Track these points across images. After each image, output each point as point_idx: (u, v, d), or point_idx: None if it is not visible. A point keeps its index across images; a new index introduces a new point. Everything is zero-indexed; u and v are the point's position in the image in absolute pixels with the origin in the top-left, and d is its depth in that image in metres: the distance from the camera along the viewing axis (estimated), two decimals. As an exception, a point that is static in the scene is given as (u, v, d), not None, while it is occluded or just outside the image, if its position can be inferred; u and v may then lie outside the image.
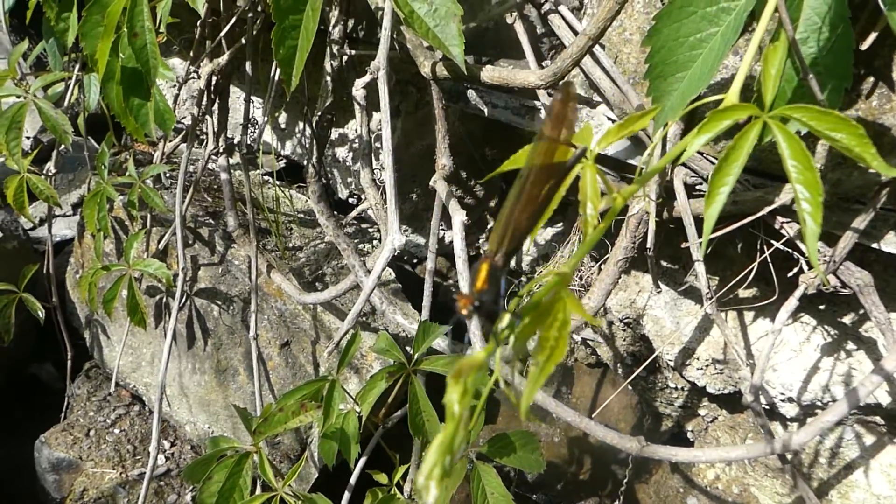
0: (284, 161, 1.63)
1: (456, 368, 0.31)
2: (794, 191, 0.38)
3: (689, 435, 1.35)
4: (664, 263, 1.14)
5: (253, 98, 1.47)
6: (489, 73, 0.81)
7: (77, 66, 1.34)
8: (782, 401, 1.06)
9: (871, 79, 0.73)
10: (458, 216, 0.82)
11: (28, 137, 1.91)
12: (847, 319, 0.97)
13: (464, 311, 0.37)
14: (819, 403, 1.00)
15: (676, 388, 1.29)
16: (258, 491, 1.06)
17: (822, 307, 0.99)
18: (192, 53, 1.09)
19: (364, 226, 1.53)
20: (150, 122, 0.87)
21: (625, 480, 1.37)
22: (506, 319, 0.36)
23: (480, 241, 1.47)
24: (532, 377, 0.33)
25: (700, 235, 0.83)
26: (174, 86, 1.51)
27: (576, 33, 0.86)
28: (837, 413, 0.74)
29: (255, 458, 0.95)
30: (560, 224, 1.38)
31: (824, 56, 0.56)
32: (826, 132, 0.38)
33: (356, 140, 1.41)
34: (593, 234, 0.35)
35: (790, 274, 0.81)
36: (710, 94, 0.81)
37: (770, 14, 0.48)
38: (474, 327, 0.77)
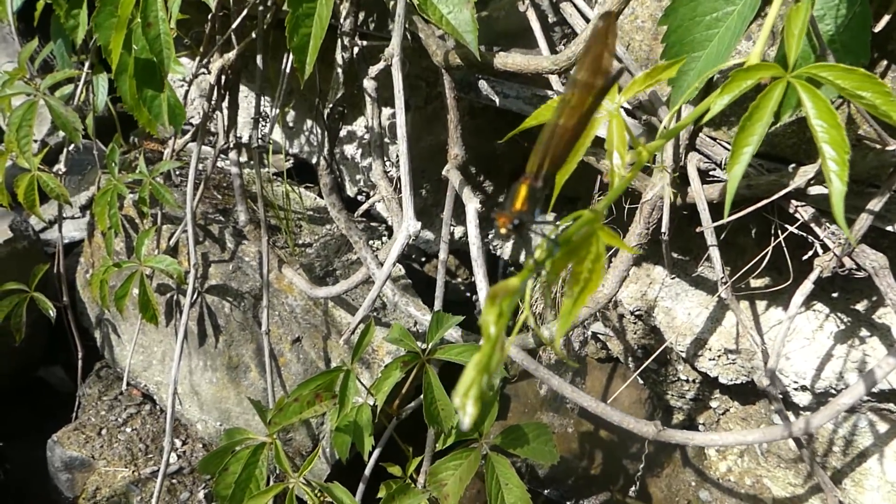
0: (293, 160, 1.64)
1: (491, 292, 0.31)
2: (819, 150, 0.38)
3: (701, 427, 1.34)
4: (675, 255, 1.14)
5: (264, 97, 1.47)
6: (502, 60, 0.81)
7: (85, 67, 1.34)
8: (795, 389, 1.05)
9: (885, 62, 0.73)
10: (472, 204, 0.82)
11: (35, 140, 1.92)
12: (860, 306, 0.97)
13: (503, 230, 0.37)
14: (833, 391, 1.00)
15: (688, 381, 1.29)
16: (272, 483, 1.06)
17: (834, 295, 0.99)
18: (201, 49, 1.09)
19: (373, 224, 1.53)
20: (163, 114, 0.88)
21: (637, 475, 1.37)
22: (542, 244, 0.36)
23: (489, 236, 1.47)
24: (566, 307, 0.34)
25: (714, 221, 0.83)
26: (183, 84, 1.51)
27: (587, 20, 0.86)
28: (854, 396, 0.74)
29: (270, 450, 0.95)
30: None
31: (841, 33, 0.56)
32: (852, 90, 0.38)
33: (365, 136, 1.41)
34: (621, 182, 0.35)
35: (805, 257, 0.81)
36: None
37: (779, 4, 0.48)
38: (480, 274, 0.77)
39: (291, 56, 0.79)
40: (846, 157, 0.38)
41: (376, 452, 1.02)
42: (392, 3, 0.87)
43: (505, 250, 1.50)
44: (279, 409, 0.91)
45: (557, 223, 0.38)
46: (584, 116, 0.38)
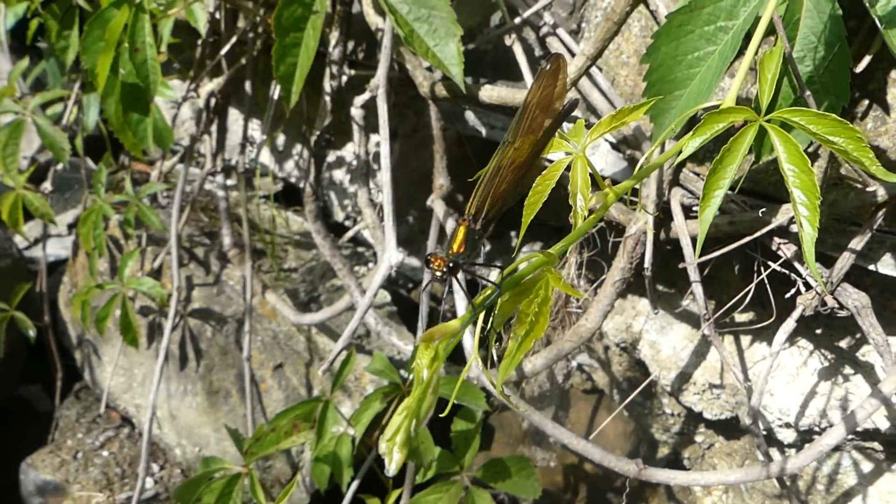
0: (282, 183, 1.63)
1: (426, 334, 0.30)
2: (790, 195, 0.38)
3: (686, 462, 1.33)
4: (660, 287, 1.14)
5: (252, 120, 1.48)
6: (488, 93, 0.81)
7: (76, 86, 1.34)
8: (779, 426, 1.05)
9: (866, 101, 0.74)
10: (456, 235, 0.82)
11: (25, 158, 1.91)
12: (844, 343, 0.97)
13: (437, 273, 0.36)
14: (817, 429, 1.00)
15: (673, 415, 1.28)
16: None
17: (818, 331, 0.99)
18: (191, 73, 1.09)
19: (359, 249, 1.52)
20: (148, 138, 0.87)
21: (620, 509, 1.35)
22: (487, 290, 0.36)
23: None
24: (509, 352, 0.33)
25: (700, 256, 0.83)
26: (173, 107, 1.51)
27: (574, 55, 0.87)
28: (836, 437, 0.74)
29: (245, 480, 0.93)
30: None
31: (821, 74, 0.57)
32: (824, 135, 0.38)
33: (353, 161, 1.41)
34: (583, 225, 0.35)
35: (788, 295, 0.80)
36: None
37: (763, 31, 0.48)
38: (461, 305, 0.76)
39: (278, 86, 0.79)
40: (817, 202, 0.38)
41: (355, 484, 1.01)
42: (380, 33, 0.87)
43: (491, 277, 1.50)
44: (256, 439, 0.90)
45: (500, 267, 0.38)
46: (530, 157, 0.38)
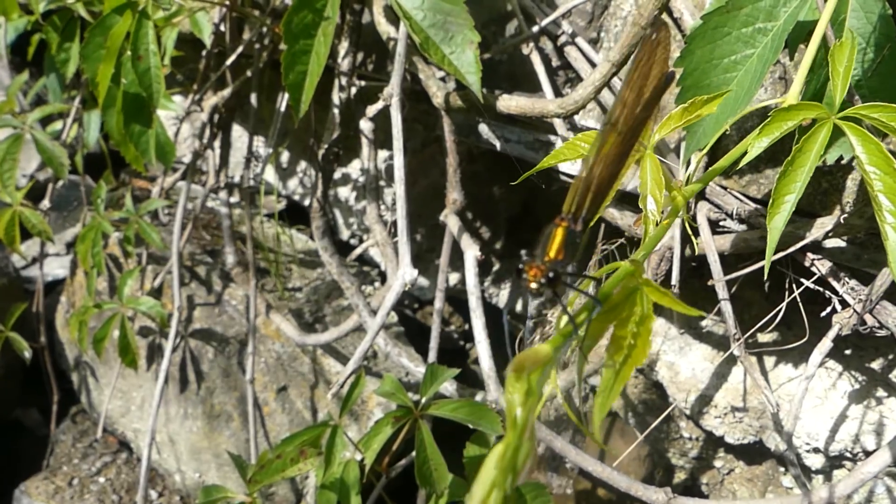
0: (286, 201, 1.60)
1: (517, 363, 0.25)
2: (874, 201, 0.34)
3: (704, 488, 1.28)
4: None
5: (257, 137, 1.45)
6: (505, 103, 0.78)
7: (76, 101, 1.31)
8: (808, 451, 1.00)
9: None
10: (472, 251, 0.78)
11: (25, 175, 1.88)
12: (875, 365, 0.93)
13: (533, 285, 0.30)
14: (848, 454, 0.95)
15: (691, 438, 1.23)
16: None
17: (847, 352, 0.95)
18: (195, 86, 1.06)
19: (365, 268, 1.49)
20: (150, 151, 0.84)
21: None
22: (577, 303, 0.31)
23: (485, 284, 1.43)
24: (605, 384, 0.28)
25: (725, 273, 0.79)
26: (175, 123, 1.48)
27: (593, 65, 0.84)
28: (879, 464, 0.69)
29: (249, 510, 0.89)
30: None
31: (869, 78, 0.53)
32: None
33: (360, 178, 1.38)
34: (658, 231, 0.31)
35: (823, 314, 0.77)
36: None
37: (822, 31, 0.45)
38: (479, 325, 0.70)
39: (286, 95, 0.76)
40: (906, 208, 0.34)
41: (364, 513, 0.96)
42: (392, 43, 0.84)
43: (501, 297, 1.46)
44: (260, 466, 0.86)
45: (589, 275, 0.32)
46: (629, 140, 0.33)
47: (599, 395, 0.28)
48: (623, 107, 0.32)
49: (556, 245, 0.31)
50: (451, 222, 0.84)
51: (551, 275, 0.30)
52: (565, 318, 0.31)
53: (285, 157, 1.51)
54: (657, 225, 0.35)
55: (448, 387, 0.95)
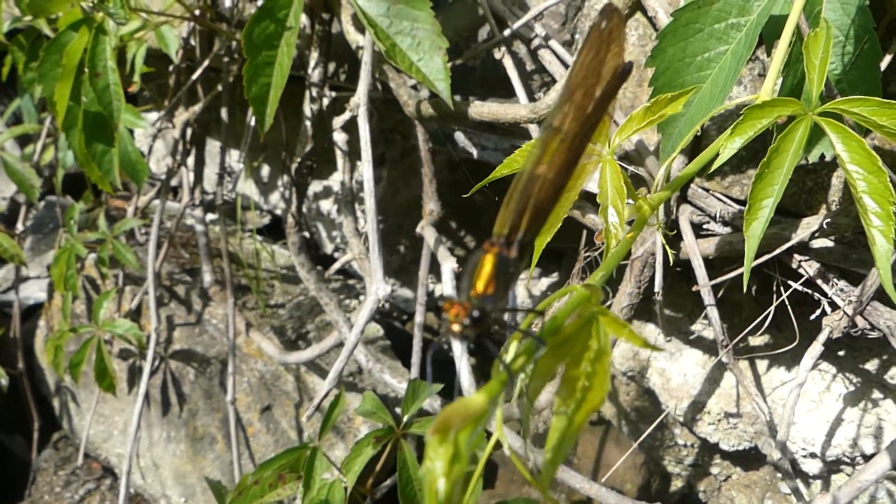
0: (269, 217, 1.57)
1: (440, 420, 0.20)
2: (858, 202, 0.31)
3: (702, 495, 1.26)
4: (668, 312, 1.08)
5: (232, 151, 1.42)
6: (477, 109, 0.75)
7: (49, 120, 1.28)
8: (804, 457, 0.98)
9: (887, 105, 0.68)
10: (448, 263, 0.76)
11: (4, 199, 1.85)
12: (870, 366, 0.90)
13: (455, 327, 0.25)
14: (846, 459, 0.93)
15: (686, 445, 1.21)
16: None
17: (841, 353, 0.93)
18: (166, 102, 1.03)
19: (350, 281, 1.46)
20: (114, 170, 0.81)
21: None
22: (515, 345, 0.26)
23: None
24: (556, 435, 0.24)
25: (710, 277, 0.77)
26: (149, 140, 1.46)
27: (567, 68, 0.81)
28: (878, 469, 0.67)
29: (229, 538, 0.85)
30: (555, 274, 1.32)
31: (848, 72, 0.51)
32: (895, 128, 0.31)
33: (341, 190, 1.35)
34: (621, 246, 0.28)
35: (813, 316, 0.74)
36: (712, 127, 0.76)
37: (794, 25, 0.42)
38: (461, 356, 0.66)
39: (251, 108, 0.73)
40: (891, 209, 0.31)
41: (349, 536, 0.93)
42: (360, 52, 0.82)
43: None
44: (239, 493, 0.83)
45: (535, 310, 0.27)
46: (577, 146, 0.28)
47: (549, 449, 0.24)
48: (569, 107, 0.28)
49: (485, 276, 0.26)
50: (428, 234, 0.81)
51: (476, 314, 0.25)
52: (500, 364, 0.26)
53: (265, 171, 1.48)
54: (619, 240, 0.32)
55: (433, 403, 0.92)
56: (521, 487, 1.33)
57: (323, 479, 0.87)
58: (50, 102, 0.77)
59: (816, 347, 0.72)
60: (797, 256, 0.72)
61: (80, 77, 0.76)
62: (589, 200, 0.88)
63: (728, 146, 0.33)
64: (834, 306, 0.73)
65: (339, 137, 0.90)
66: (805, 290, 0.75)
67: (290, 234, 0.96)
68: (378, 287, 0.71)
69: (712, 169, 0.32)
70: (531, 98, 0.84)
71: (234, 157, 1.48)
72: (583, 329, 0.24)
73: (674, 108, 0.35)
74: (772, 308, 0.77)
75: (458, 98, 0.90)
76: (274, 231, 1.55)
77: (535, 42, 0.83)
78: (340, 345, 0.99)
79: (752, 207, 0.33)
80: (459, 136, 0.94)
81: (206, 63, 0.94)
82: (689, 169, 0.31)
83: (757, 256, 0.73)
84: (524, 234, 0.27)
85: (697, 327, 1.05)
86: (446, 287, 0.74)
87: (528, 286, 1.28)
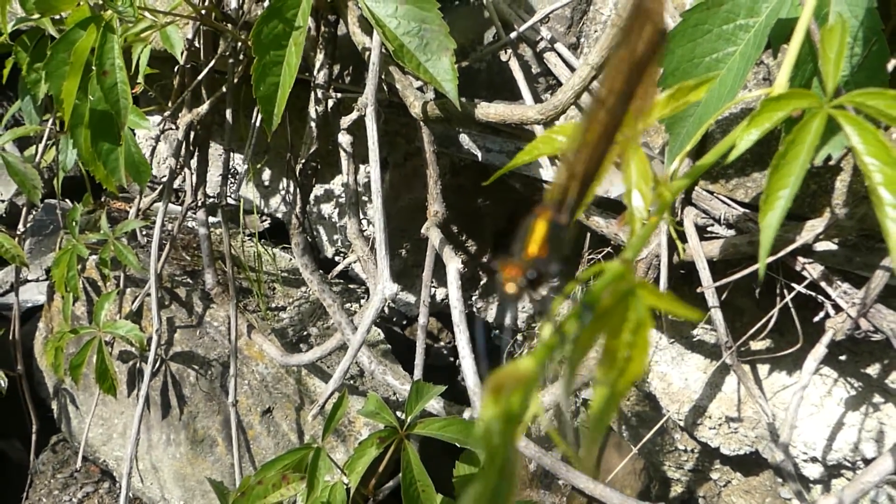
0: (269, 220, 1.57)
1: (494, 381, 0.20)
2: (873, 195, 0.31)
3: (701, 501, 1.25)
4: (670, 316, 1.08)
5: (235, 154, 1.42)
6: (484, 111, 0.76)
7: (50, 122, 1.28)
8: (805, 461, 0.98)
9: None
10: (454, 264, 0.76)
11: (3, 201, 1.85)
12: (871, 370, 0.91)
13: (509, 288, 0.25)
14: (847, 463, 0.93)
15: (686, 450, 1.21)
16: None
17: (842, 357, 0.93)
18: (170, 103, 1.04)
19: (350, 285, 1.46)
20: (120, 169, 0.81)
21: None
22: (564, 309, 0.26)
23: (473, 298, 1.41)
24: (599, 405, 0.24)
25: (714, 280, 0.77)
26: (152, 141, 1.46)
27: (573, 71, 0.82)
28: (880, 473, 0.67)
29: (231, 539, 0.85)
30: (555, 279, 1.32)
31: (855, 73, 0.51)
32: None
33: (342, 195, 1.35)
34: (646, 229, 0.28)
35: (816, 318, 0.74)
36: (717, 131, 0.77)
37: (806, 24, 0.43)
38: (462, 341, 0.66)
39: (258, 108, 0.73)
40: (911, 203, 0.31)
41: (351, 538, 0.93)
42: (367, 53, 0.82)
43: (489, 311, 1.43)
44: (242, 493, 0.82)
45: (575, 278, 0.27)
46: (620, 107, 0.28)
47: (593, 418, 0.24)
48: (615, 74, 0.28)
49: (538, 240, 0.26)
50: (433, 235, 0.81)
51: (532, 275, 0.25)
52: (549, 328, 0.26)
53: (267, 174, 1.48)
54: (643, 224, 0.33)
55: (435, 404, 0.92)
56: (523, 491, 1.32)
57: (325, 481, 0.87)
58: (56, 100, 0.77)
59: (819, 349, 0.72)
60: (801, 259, 0.73)
61: (88, 75, 0.77)
62: (592, 203, 0.89)
63: (745, 137, 0.33)
64: (837, 308, 0.73)
65: (344, 139, 0.90)
66: (809, 292, 0.75)
67: (294, 235, 0.96)
68: (385, 285, 0.71)
69: (729, 160, 0.32)
70: (537, 100, 0.84)
71: (237, 160, 1.48)
72: (621, 302, 0.24)
73: (696, 95, 0.35)
74: (776, 310, 0.77)
75: (464, 99, 0.91)
76: (274, 235, 1.55)
77: (541, 45, 0.83)
78: (342, 347, 0.99)
79: (769, 198, 0.33)
80: (464, 138, 0.94)
81: (211, 63, 0.94)
82: (707, 159, 0.31)
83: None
84: (576, 199, 0.28)
85: (699, 332, 1.05)
86: (452, 287, 0.74)
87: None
